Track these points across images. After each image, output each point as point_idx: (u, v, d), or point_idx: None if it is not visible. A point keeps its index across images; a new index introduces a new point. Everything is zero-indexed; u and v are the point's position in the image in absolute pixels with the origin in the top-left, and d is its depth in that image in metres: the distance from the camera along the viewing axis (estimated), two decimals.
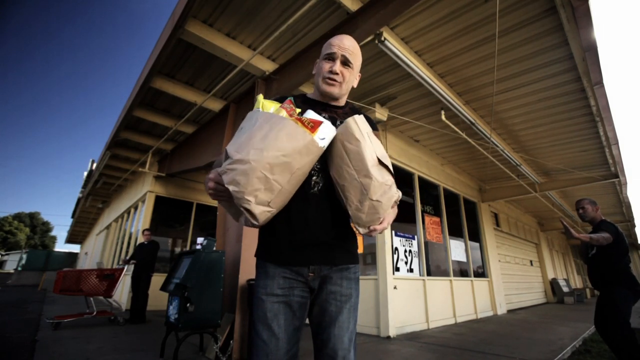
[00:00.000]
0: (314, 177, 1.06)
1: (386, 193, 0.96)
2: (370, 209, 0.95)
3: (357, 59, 1.18)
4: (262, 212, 0.89)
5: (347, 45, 1.14)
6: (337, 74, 1.13)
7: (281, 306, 1.00)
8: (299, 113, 1.05)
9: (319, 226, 1.05)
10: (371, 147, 1.00)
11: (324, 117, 1.09)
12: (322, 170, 1.07)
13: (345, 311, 1.05)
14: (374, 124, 1.21)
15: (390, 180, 0.99)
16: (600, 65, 3.44)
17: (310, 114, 1.03)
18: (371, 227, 0.98)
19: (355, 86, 1.23)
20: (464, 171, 7.65)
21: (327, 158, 1.05)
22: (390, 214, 1.04)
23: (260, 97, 1.06)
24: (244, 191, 0.85)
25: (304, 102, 1.17)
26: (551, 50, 3.62)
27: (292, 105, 1.05)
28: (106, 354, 3.19)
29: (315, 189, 1.06)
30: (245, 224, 0.99)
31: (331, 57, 1.14)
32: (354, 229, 1.05)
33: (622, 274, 2.79)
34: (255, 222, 0.90)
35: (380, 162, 0.99)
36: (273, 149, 0.88)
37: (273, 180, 0.88)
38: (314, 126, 0.97)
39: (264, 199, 0.88)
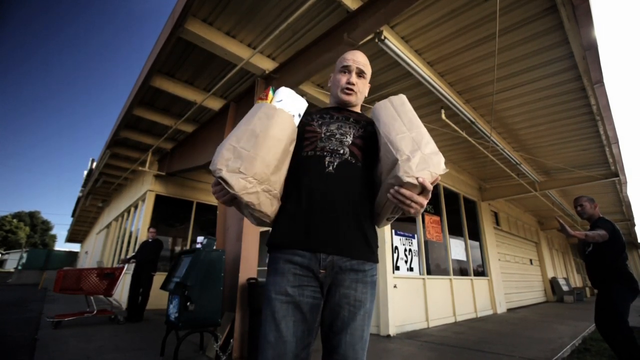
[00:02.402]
0: (328, 158, 1.07)
1: (436, 153, 0.94)
2: (422, 161, 0.91)
3: (368, 70, 1.28)
4: (235, 178, 0.93)
5: (360, 59, 1.25)
6: (354, 84, 1.22)
7: (290, 307, 0.95)
8: (318, 117, 1.20)
9: (333, 204, 1.00)
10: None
11: (337, 117, 1.19)
12: (336, 151, 1.08)
13: (358, 318, 0.98)
14: None
15: (437, 148, 0.96)
16: (601, 64, 3.44)
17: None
18: (420, 179, 0.87)
19: (366, 95, 1.31)
20: (464, 170, 7.64)
21: (342, 139, 1.11)
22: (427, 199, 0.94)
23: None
24: (216, 163, 0.95)
25: (319, 110, 1.26)
26: (551, 49, 3.61)
27: (265, 92, 1.16)
28: (106, 352, 3.20)
29: (330, 167, 1.05)
30: (256, 221, 1.06)
31: (347, 70, 1.24)
32: (397, 183, 0.91)
33: (619, 272, 2.80)
34: (232, 191, 0.92)
35: None
36: (238, 125, 1.04)
37: (240, 148, 0.97)
38: (266, 94, 1.12)
39: (234, 166, 0.95)
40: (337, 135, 1.11)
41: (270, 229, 1.10)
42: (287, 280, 0.97)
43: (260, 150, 0.97)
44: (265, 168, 0.97)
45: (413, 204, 0.90)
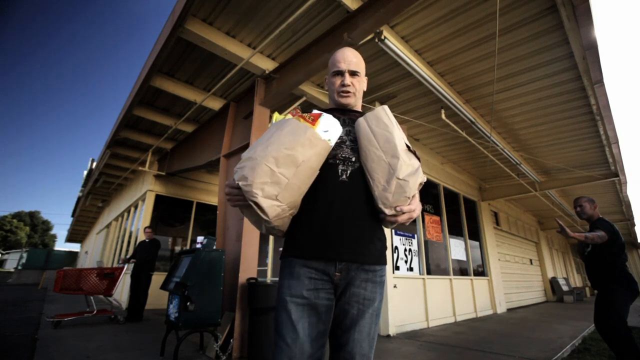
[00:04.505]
0: (341, 166, 1.06)
1: (413, 174, 0.96)
2: (398, 188, 0.95)
3: (362, 67, 1.25)
4: (271, 205, 0.90)
5: (350, 58, 1.22)
6: (349, 85, 1.20)
7: (306, 309, 0.97)
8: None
9: (348, 213, 1.02)
10: (400, 133, 1.05)
11: (343, 119, 1.17)
12: (348, 159, 1.08)
13: (367, 316, 1.01)
14: None
15: (416, 163, 1.00)
16: (601, 63, 3.44)
17: (314, 112, 1.07)
18: (398, 208, 0.96)
19: (365, 89, 1.31)
20: (464, 170, 7.64)
21: (353, 146, 1.11)
22: (418, 205, 1.01)
23: (275, 113, 1.16)
24: (251, 184, 0.89)
25: (324, 110, 1.24)
26: (551, 49, 3.61)
27: (298, 110, 1.10)
28: (106, 352, 3.20)
29: (344, 176, 1.05)
30: (267, 231, 1.02)
31: (339, 73, 1.21)
32: (381, 213, 1.01)
33: (619, 273, 2.80)
34: (266, 218, 0.91)
35: (408, 148, 1.03)
36: (277, 144, 0.95)
37: (279, 173, 0.91)
38: (314, 119, 1.03)
39: (271, 192, 0.90)
40: (348, 142, 1.11)
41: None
42: (302, 284, 0.99)
43: (298, 180, 0.95)
44: (299, 196, 0.98)
45: (402, 221, 0.99)
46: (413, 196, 0.98)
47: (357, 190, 1.04)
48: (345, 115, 1.21)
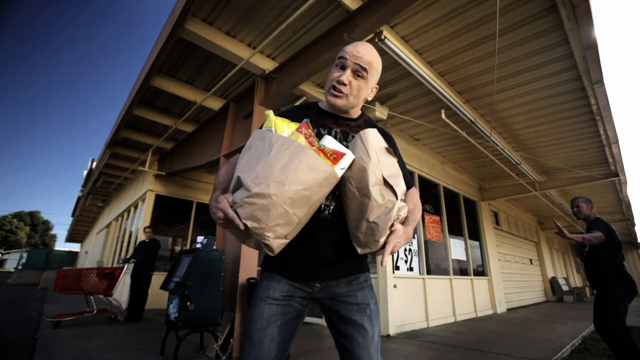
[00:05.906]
0: (324, 201, 0.99)
1: (385, 215, 0.89)
2: (368, 230, 0.90)
3: (373, 69, 1.04)
4: (280, 244, 0.87)
5: (361, 53, 1.02)
6: (344, 84, 1.02)
7: (279, 309, 0.99)
8: (315, 133, 1.02)
9: (327, 247, 1.00)
10: (377, 165, 0.94)
11: (336, 131, 1.06)
12: (332, 192, 0.99)
13: (366, 320, 1.02)
14: (389, 137, 1.15)
15: (392, 202, 0.90)
16: (601, 63, 3.44)
17: (330, 142, 0.96)
18: (367, 250, 0.93)
19: (369, 99, 1.14)
20: (464, 170, 7.64)
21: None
22: (402, 236, 0.92)
23: (271, 113, 0.99)
24: (264, 227, 0.81)
25: (317, 114, 1.10)
26: (551, 49, 3.61)
27: (309, 130, 0.98)
28: (106, 352, 3.20)
29: (326, 212, 0.99)
30: (254, 247, 1.00)
31: (342, 65, 1.03)
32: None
33: (617, 273, 2.80)
34: (271, 254, 0.88)
35: (385, 182, 0.92)
36: (294, 183, 0.84)
37: (293, 214, 0.85)
38: (336, 158, 0.93)
39: (282, 232, 0.85)
40: None
41: None
42: (280, 288, 1.01)
43: (307, 216, 0.91)
44: (300, 228, 0.94)
45: (385, 254, 0.90)
46: (393, 230, 0.90)
47: (340, 224, 1.00)
48: (338, 126, 1.08)
